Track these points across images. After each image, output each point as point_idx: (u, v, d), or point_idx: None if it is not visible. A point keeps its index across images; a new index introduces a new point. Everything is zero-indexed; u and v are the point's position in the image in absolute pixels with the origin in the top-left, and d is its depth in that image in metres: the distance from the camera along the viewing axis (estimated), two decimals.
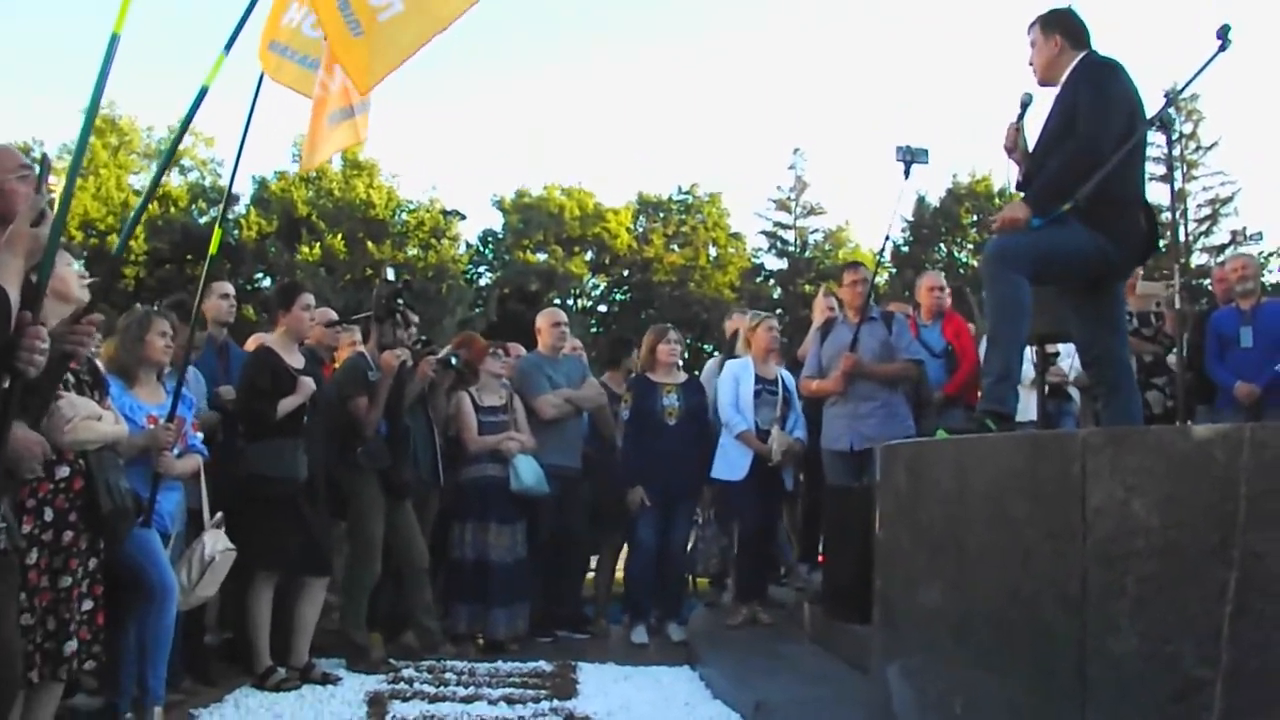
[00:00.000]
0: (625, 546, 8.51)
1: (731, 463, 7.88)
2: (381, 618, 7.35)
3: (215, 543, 5.52)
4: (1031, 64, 5.16)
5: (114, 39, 3.52)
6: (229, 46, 4.72)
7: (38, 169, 3.34)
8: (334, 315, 7.59)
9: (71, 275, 4.09)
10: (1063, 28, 5.03)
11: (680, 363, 8.35)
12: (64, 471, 4.25)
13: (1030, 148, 5.21)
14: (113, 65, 3.51)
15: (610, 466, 8.29)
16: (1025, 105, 5.27)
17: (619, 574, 8.79)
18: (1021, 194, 5.07)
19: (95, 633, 4.37)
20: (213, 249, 5.97)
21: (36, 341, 3.09)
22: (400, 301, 7.15)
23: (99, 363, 4.93)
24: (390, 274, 7.69)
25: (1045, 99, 5.16)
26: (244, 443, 6.31)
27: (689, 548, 8.79)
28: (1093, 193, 4.60)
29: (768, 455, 7.75)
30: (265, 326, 7.40)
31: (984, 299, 5.18)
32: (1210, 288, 11.13)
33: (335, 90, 6.17)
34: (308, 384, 6.33)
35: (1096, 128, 4.73)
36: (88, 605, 4.33)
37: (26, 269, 3.14)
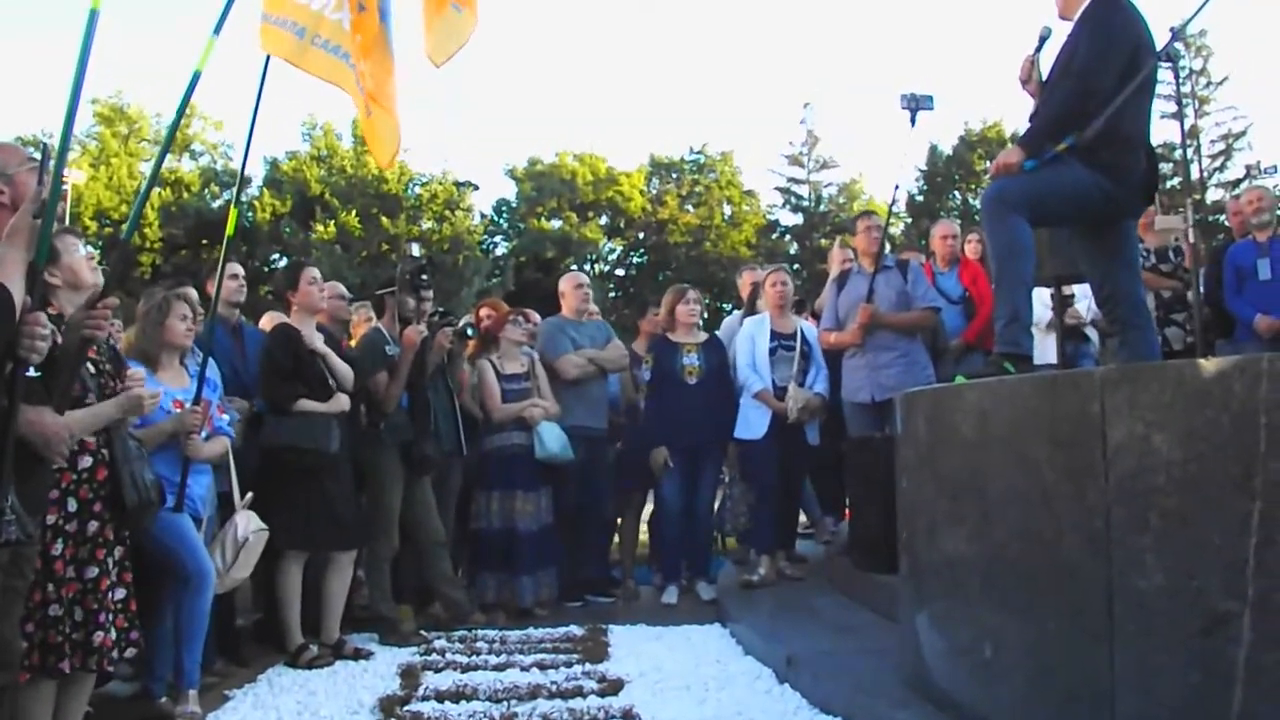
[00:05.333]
0: (646, 506, 8.54)
1: (750, 422, 7.85)
2: (409, 591, 7.36)
3: (248, 524, 5.53)
4: None
5: (93, 15, 3.49)
6: (218, 29, 4.70)
7: (39, 159, 3.32)
8: (343, 289, 7.60)
9: (81, 262, 4.08)
10: None
11: (700, 322, 8.32)
12: (86, 462, 4.19)
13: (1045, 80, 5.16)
14: (93, 42, 3.47)
15: (631, 427, 8.32)
16: (1043, 39, 5.20)
17: (643, 536, 8.83)
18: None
19: (131, 620, 4.35)
20: (229, 231, 5.93)
21: (37, 328, 3.10)
22: (424, 277, 7.17)
23: (119, 348, 4.91)
24: (415, 249, 7.67)
25: (1064, 33, 5.09)
26: (273, 417, 6.28)
27: (717, 507, 8.79)
28: (1098, 131, 4.56)
29: (785, 413, 7.73)
30: (277, 306, 7.38)
31: (986, 244, 5.16)
32: (1226, 222, 11.03)
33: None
34: (341, 400, 6.41)
35: (1092, 68, 4.68)
36: (120, 594, 4.30)
37: (28, 260, 3.14)
